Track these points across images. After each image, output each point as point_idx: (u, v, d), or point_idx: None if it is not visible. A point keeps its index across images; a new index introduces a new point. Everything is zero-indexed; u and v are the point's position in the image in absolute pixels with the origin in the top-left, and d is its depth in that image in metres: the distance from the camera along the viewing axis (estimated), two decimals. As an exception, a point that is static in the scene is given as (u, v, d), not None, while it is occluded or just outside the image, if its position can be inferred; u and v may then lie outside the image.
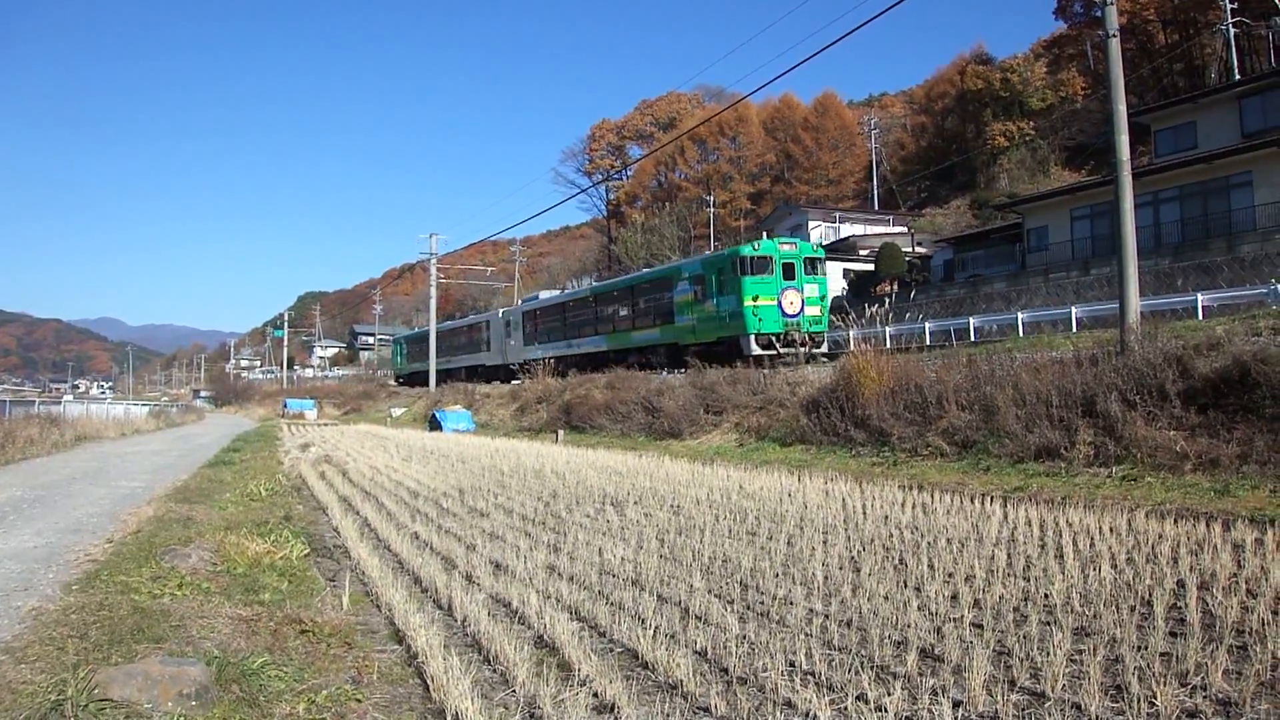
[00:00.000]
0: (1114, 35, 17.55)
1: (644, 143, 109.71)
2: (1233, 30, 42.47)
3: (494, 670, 5.91)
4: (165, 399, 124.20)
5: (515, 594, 7.54)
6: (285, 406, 66.89)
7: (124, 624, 6.41)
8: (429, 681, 5.58)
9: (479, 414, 40.83)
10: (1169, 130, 41.47)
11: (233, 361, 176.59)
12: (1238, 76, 42.37)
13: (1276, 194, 33.94)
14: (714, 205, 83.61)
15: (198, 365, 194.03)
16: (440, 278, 68.63)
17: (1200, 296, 26.85)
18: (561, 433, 28.97)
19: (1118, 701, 4.83)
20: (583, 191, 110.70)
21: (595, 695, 5.26)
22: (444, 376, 60.68)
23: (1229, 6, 41.52)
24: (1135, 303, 16.57)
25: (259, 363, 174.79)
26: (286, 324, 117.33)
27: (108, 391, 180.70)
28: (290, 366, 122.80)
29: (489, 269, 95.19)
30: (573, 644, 6.02)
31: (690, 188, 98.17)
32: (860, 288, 54.12)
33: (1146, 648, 5.57)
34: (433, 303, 63.55)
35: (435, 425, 38.42)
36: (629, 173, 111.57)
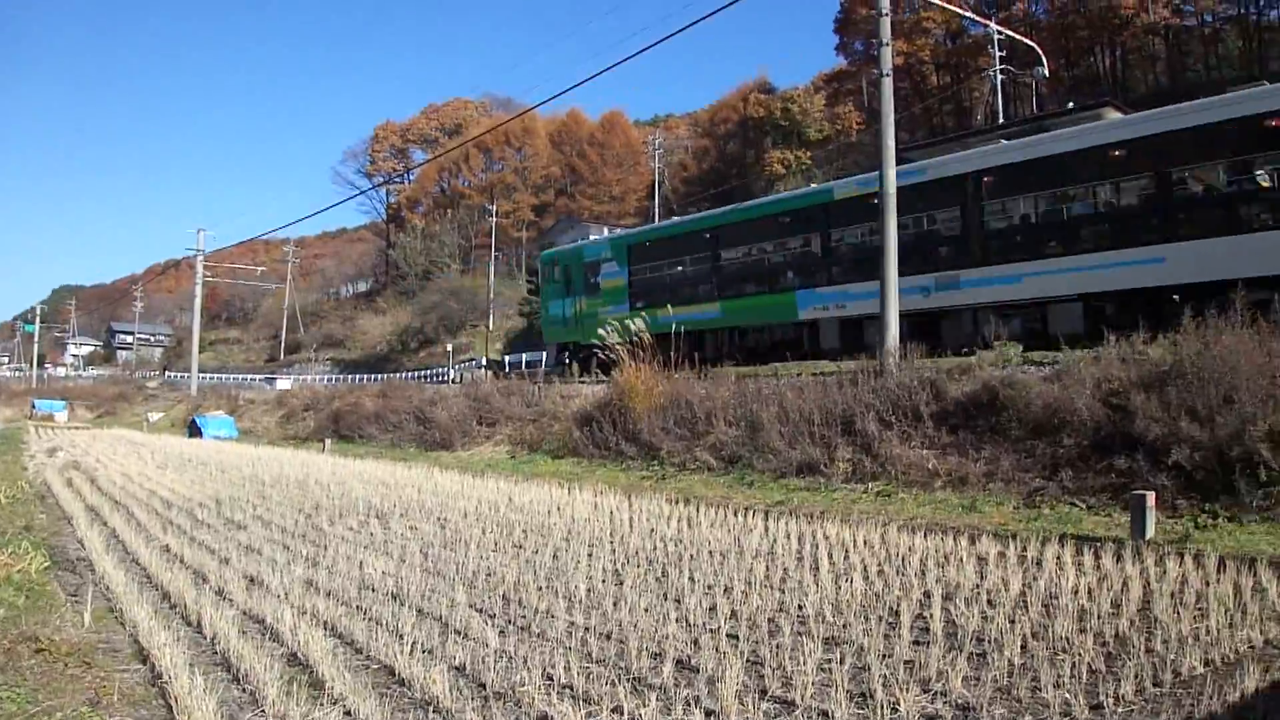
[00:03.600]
0: (888, 74, 18.34)
1: (429, 147, 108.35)
2: (1000, 77, 45.19)
3: (243, 690, 5.73)
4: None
5: (269, 610, 7.32)
6: (34, 407, 62.68)
7: None
8: (172, 703, 5.36)
9: (242, 420, 39.62)
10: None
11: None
12: (1002, 119, 45.19)
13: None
14: (496, 215, 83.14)
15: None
16: (208, 276, 65.76)
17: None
18: (329, 442, 28.22)
19: (863, 708, 4.99)
20: (363, 193, 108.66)
21: (348, 713, 5.15)
22: (753, 349, 27.33)
23: (998, 54, 44.20)
24: (894, 328, 17.30)
25: (7, 359, 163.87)
26: (39, 319, 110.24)
27: None
28: (41, 365, 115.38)
29: (260, 269, 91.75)
30: (327, 661, 5.89)
31: (474, 196, 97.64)
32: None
33: (892, 656, 5.79)
34: (197, 301, 60.82)
35: (195, 431, 37.08)
36: (411, 177, 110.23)
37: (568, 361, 32.10)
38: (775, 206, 26.75)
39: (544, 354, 42.90)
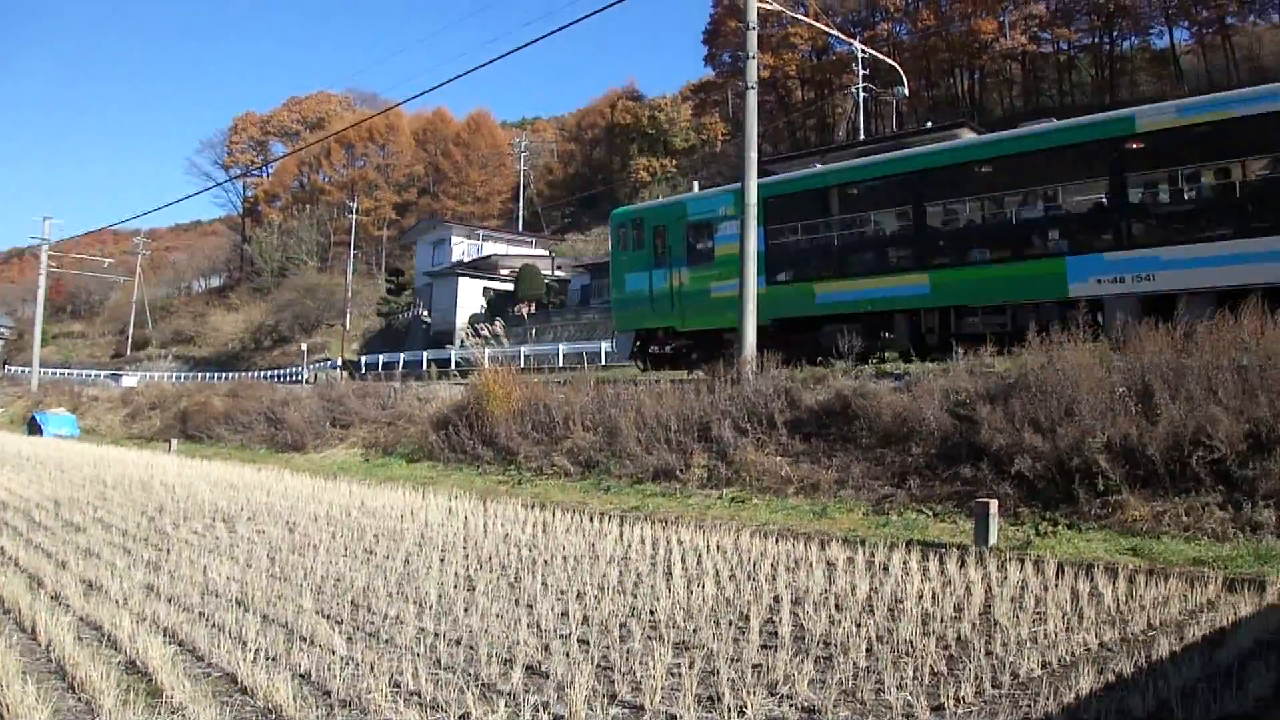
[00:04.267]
0: (752, 88, 18.57)
1: (289, 141, 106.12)
2: (862, 94, 46.36)
3: (78, 699, 5.51)
4: None
5: (107, 616, 7.07)
6: None
7: None
8: (3, 712, 5.16)
9: (85, 418, 38.21)
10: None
11: None
12: (863, 135, 46.38)
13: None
14: (357, 212, 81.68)
15: None
16: (53, 267, 62.97)
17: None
18: (175, 442, 27.34)
19: (711, 712, 5.01)
20: (218, 185, 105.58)
21: (186, 723, 4.97)
22: (977, 335, 17.18)
23: (861, 72, 45.32)
24: (751, 337, 17.41)
25: None
26: None
27: None
28: None
29: (108, 260, 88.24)
30: (166, 669, 5.70)
31: (334, 192, 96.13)
32: (499, 307, 54.57)
33: (741, 660, 5.83)
34: (41, 293, 58.34)
35: (35, 428, 35.70)
36: (270, 170, 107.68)
37: (660, 353, 24.37)
38: (1030, 142, 18.75)
39: (449, 350, 40.72)
